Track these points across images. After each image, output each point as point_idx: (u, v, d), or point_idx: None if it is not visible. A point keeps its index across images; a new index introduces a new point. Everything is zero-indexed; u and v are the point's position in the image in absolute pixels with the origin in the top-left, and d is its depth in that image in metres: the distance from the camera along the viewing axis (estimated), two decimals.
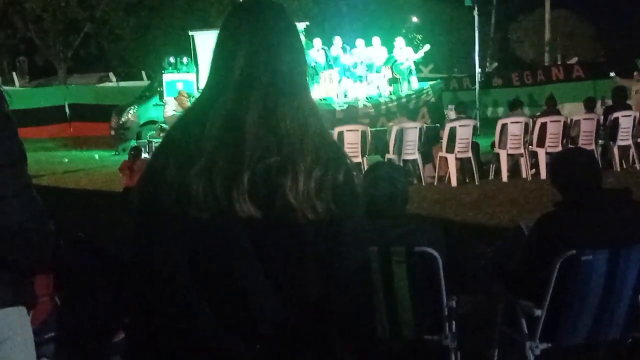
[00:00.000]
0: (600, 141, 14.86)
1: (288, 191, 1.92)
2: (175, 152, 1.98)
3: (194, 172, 1.92)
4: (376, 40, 21.71)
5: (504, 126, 14.26)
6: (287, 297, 1.99)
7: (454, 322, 4.25)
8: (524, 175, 14.35)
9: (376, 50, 21.56)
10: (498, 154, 14.44)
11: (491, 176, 14.38)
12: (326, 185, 1.96)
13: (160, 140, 2.10)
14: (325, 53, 21.36)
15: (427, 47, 22.87)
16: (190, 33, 24.09)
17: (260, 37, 2.03)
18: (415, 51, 22.44)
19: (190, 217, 1.93)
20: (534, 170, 14.49)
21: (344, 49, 21.60)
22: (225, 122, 1.96)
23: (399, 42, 21.83)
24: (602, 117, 15.31)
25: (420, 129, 14.45)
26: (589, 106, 15.53)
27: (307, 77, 2.11)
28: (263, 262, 1.96)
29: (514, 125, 14.21)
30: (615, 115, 14.79)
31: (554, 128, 14.24)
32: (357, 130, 14.13)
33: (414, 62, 21.86)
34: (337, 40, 21.67)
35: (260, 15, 2.07)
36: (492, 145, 14.98)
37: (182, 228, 1.95)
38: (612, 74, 23.93)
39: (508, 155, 14.27)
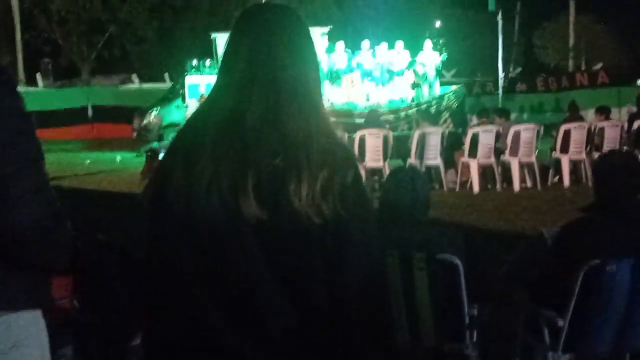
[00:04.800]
0: (624, 148, 14.72)
1: (292, 193, 1.90)
2: (182, 154, 2.00)
3: (198, 173, 1.93)
4: (399, 44, 21.68)
5: (516, 133, 14.14)
6: (296, 300, 1.96)
7: (475, 331, 4.20)
8: (548, 183, 14.29)
9: (399, 54, 21.53)
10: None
11: (515, 183, 14.27)
12: (333, 187, 1.93)
13: None
14: (348, 56, 21.37)
15: (444, 56, 22.86)
16: (212, 35, 24.16)
17: (261, 37, 2.03)
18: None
19: (197, 218, 1.93)
20: (557, 178, 14.40)
21: (367, 52, 21.59)
22: (227, 123, 1.96)
23: (427, 44, 21.82)
24: (626, 124, 15.18)
25: (442, 134, 14.40)
26: (604, 114, 15.26)
27: (314, 79, 2.08)
28: (270, 263, 1.94)
29: (526, 132, 14.13)
30: None
31: (577, 135, 14.14)
32: (379, 134, 14.08)
33: (435, 67, 21.81)
34: (365, 44, 21.65)
35: (264, 16, 2.08)
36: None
37: (190, 228, 1.95)
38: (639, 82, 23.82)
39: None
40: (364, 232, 2.01)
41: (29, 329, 2.27)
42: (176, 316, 2.01)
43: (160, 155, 15.42)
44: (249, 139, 1.93)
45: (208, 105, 2.06)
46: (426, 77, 21.46)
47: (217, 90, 2.07)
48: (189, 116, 2.13)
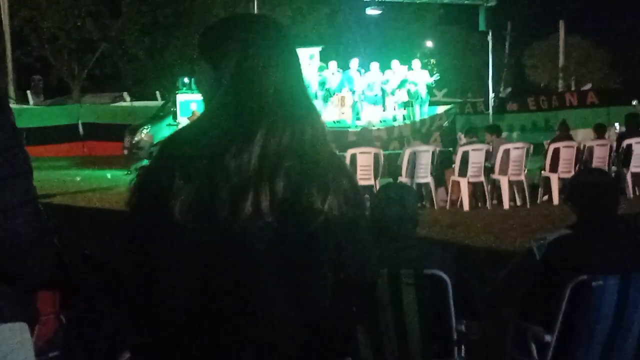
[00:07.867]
0: (613, 167, 14.79)
1: (306, 196, 1.96)
2: (186, 168, 1.92)
3: (209, 186, 1.90)
4: (395, 63, 21.75)
5: (506, 152, 14.21)
6: (303, 308, 1.99)
7: (463, 347, 4.20)
8: (537, 201, 14.34)
9: (394, 73, 21.59)
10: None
11: (505, 201, 14.31)
12: (339, 189, 2.02)
13: None
14: (340, 75, 21.42)
15: (436, 76, 22.96)
16: None
17: (261, 50, 2.05)
18: (431, 75, 22.51)
19: (207, 229, 1.91)
20: (547, 197, 14.45)
21: (359, 71, 21.63)
22: (232, 135, 1.94)
23: (416, 64, 21.88)
24: (615, 144, 15.26)
25: (433, 152, 14.44)
26: (599, 132, 15.44)
27: (309, 95, 2.15)
28: (280, 269, 1.95)
29: (515, 151, 14.19)
30: (629, 141, 14.75)
31: (567, 154, 14.21)
32: (370, 152, 14.11)
33: (427, 85, 21.88)
34: (353, 63, 21.71)
35: (261, 28, 2.11)
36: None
37: (195, 240, 1.91)
38: (634, 102, 23.93)
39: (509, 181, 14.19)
40: (366, 230, 2.15)
41: (15, 343, 2.25)
42: (171, 330, 1.98)
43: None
44: (259, 148, 1.93)
45: (205, 118, 2.04)
46: (417, 96, 21.52)
47: (218, 103, 2.03)
48: (185, 129, 2.09)
